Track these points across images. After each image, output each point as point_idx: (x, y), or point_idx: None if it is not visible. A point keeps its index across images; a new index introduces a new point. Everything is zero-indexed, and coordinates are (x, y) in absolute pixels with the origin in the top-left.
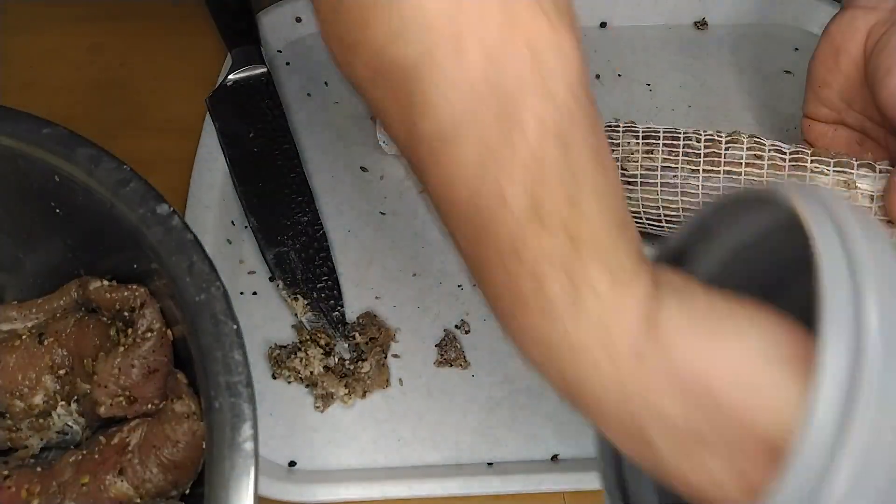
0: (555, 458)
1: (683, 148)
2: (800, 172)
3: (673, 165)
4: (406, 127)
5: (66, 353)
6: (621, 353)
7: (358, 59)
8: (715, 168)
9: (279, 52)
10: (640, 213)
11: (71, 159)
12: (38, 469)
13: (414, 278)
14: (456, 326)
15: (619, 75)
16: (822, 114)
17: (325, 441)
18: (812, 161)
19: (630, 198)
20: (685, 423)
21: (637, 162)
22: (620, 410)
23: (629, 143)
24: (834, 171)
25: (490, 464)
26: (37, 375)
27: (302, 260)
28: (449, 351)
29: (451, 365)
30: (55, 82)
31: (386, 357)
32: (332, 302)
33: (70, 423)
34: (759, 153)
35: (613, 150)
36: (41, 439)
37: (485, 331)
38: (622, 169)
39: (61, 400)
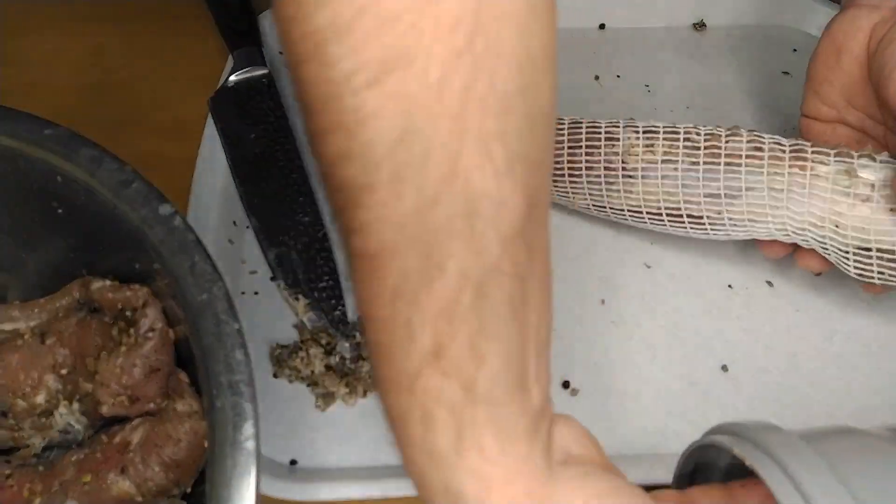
0: None
1: (684, 142)
2: (800, 163)
3: (673, 158)
4: (341, 223)
5: (68, 352)
6: None
7: (318, 150)
8: (715, 160)
9: (280, 53)
10: (640, 207)
11: (73, 160)
12: (40, 468)
13: None
14: None
15: (618, 77)
16: (822, 112)
17: (326, 440)
18: (812, 152)
19: (630, 192)
20: None
21: (638, 156)
22: None
23: (629, 137)
24: (835, 160)
25: None
26: (39, 375)
27: (303, 260)
28: None
29: None
30: (57, 83)
31: None
32: (334, 301)
33: (72, 422)
34: (759, 146)
35: (613, 145)
36: (43, 438)
37: None
38: (623, 163)
39: (63, 399)
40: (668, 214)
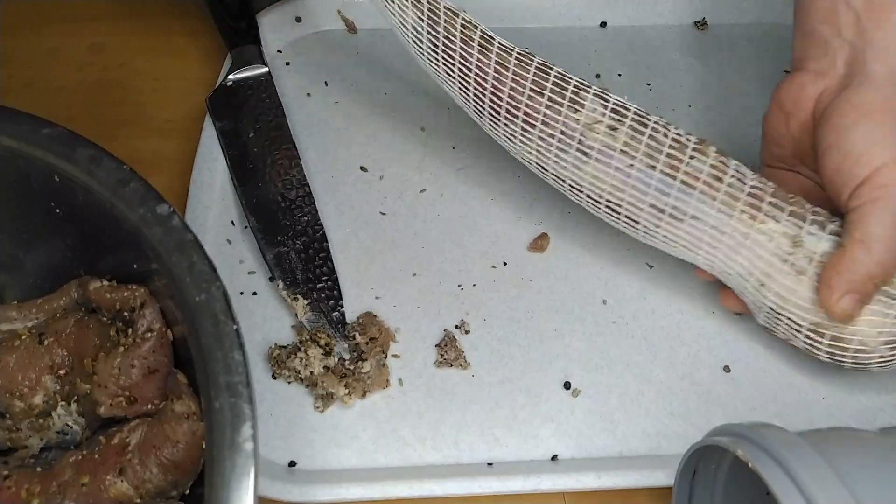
0: (555, 458)
1: (648, 139)
2: (752, 211)
3: (632, 153)
4: None
5: (65, 353)
6: None
7: None
8: (672, 173)
9: (279, 51)
10: (582, 187)
11: (71, 159)
12: (38, 469)
13: (414, 278)
14: (456, 326)
15: (620, 75)
16: (778, 164)
17: (325, 441)
18: (769, 203)
19: (580, 169)
20: None
21: (598, 135)
22: None
23: (595, 109)
24: (787, 218)
25: (490, 464)
26: (37, 375)
27: (302, 260)
28: (449, 351)
29: (451, 365)
30: (55, 82)
31: (386, 357)
32: (332, 302)
33: (70, 423)
34: (720, 176)
35: (577, 111)
36: (41, 439)
37: (485, 331)
38: (581, 136)
39: (61, 400)
40: (607, 206)
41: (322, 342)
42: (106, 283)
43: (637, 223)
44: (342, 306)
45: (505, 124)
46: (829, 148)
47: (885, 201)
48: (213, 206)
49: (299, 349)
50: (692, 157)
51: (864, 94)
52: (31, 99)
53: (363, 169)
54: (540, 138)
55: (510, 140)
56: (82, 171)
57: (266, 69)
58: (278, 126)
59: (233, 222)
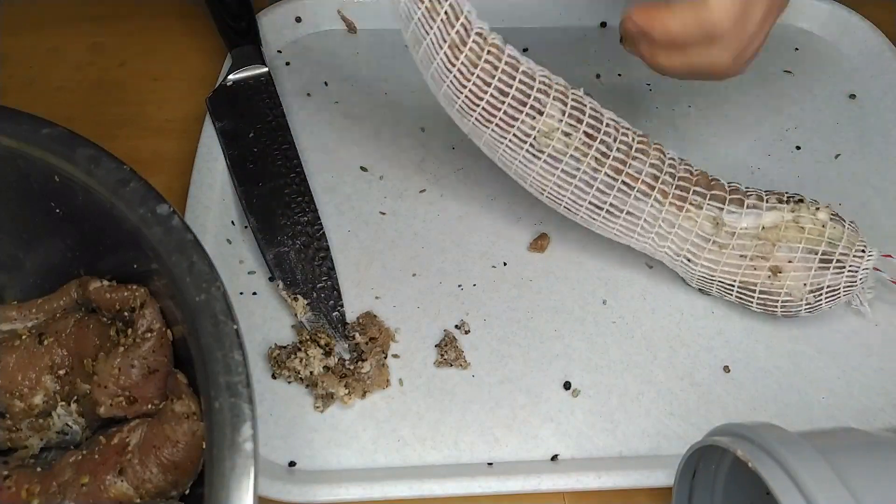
0: (554, 458)
1: (599, 143)
2: (679, 203)
3: (581, 158)
4: None
5: (65, 353)
6: None
7: None
8: (614, 176)
9: (279, 52)
10: (527, 179)
11: (71, 159)
12: (38, 469)
13: (414, 278)
14: (456, 327)
15: (620, 75)
16: None
17: (324, 441)
18: (693, 192)
19: (528, 165)
20: None
21: (551, 142)
22: None
23: (553, 116)
24: (708, 204)
25: (490, 464)
26: (37, 375)
27: (302, 260)
28: (449, 351)
29: (451, 365)
30: (55, 82)
31: (386, 357)
32: (332, 302)
33: (70, 423)
34: (657, 174)
35: (535, 118)
36: (41, 439)
37: (484, 331)
38: (534, 140)
39: (61, 400)
40: (548, 196)
41: (322, 342)
42: (106, 283)
43: (576, 215)
44: (342, 306)
45: (486, 122)
46: None
47: None
48: (212, 206)
49: (299, 349)
50: (635, 157)
51: None
52: (30, 99)
53: (363, 169)
54: (494, 132)
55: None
56: (82, 170)
57: (266, 69)
58: (278, 126)
59: (233, 222)
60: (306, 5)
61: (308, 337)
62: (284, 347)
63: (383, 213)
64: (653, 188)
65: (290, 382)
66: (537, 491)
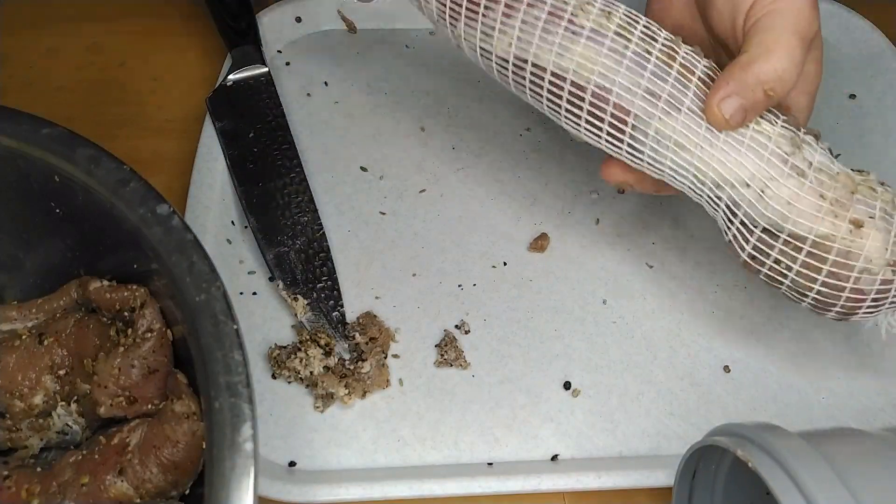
0: (555, 458)
1: (643, 28)
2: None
3: (628, 37)
4: None
5: (65, 353)
6: None
7: None
8: (669, 62)
9: (279, 51)
10: (567, 74)
11: (71, 159)
12: (38, 469)
13: (414, 278)
14: (456, 327)
15: None
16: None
17: (324, 441)
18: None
19: (565, 52)
20: None
21: (591, 14)
22: None
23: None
24: (782, 124)
25: (490, 464)
26: (37, 375)
27: (302, 260)
28: (449, 351)
29: (451, 365)
30: (55, 82)
31: (386, 357)
32: (332, 302)
33: (70, 423)
34: (713, 75)
35: None
36: (41, 439)
37: (485, 331)
38: (572, 15)
39: (61, 400)
40: (592, 97)
41: (322, 342)
42: (106, 283)
43: (624, 122)
44: (342, 306)
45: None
46: None
47: (779, 11)
48: (213, 206)
49: (299, 349)
50: (686, 54)
51: None
52: (30, 99)
53: (363, 169)
54: (524, 20)
55: (480, 25)
56: (82, 170)
57: (266, 69)
58: (278, 126)
59: (233, 222)
60: (306, 5)
61: (308, 337)
62: (284, 347)
63: (383, 213)
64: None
65: (290, 382)
66: (537, 491)
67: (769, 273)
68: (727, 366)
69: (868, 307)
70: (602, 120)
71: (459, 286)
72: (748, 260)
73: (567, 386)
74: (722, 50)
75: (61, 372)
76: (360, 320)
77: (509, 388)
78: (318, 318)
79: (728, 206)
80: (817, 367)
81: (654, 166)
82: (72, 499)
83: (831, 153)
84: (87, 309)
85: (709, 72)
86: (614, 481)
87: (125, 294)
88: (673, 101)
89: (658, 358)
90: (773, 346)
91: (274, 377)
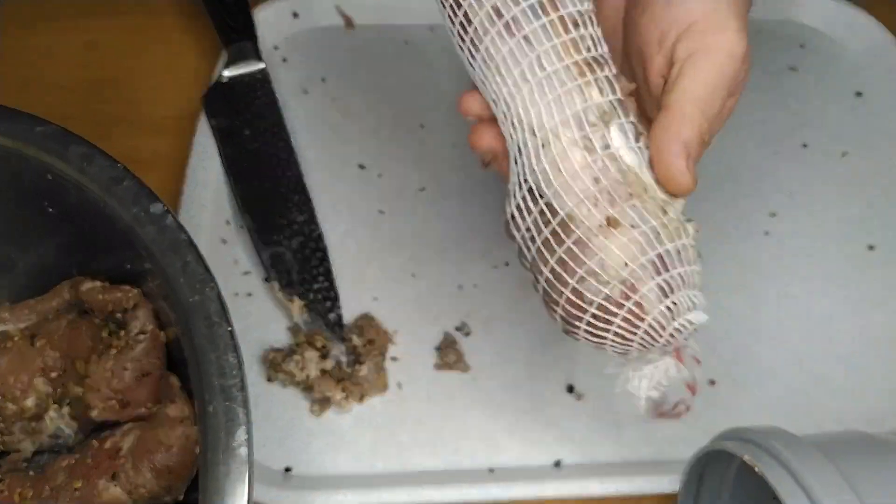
0: (557, 464)
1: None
2: (586, 71)
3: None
4: None
5: (58, 355)
6: None
7: None
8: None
9: (276, 47)
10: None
11: (64, 157)
12: (31, 473)
13: (413, 279)
14: (456, 329)
15: None
16: None
17: (321, 446)
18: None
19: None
20: None
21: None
22: None
23: None
24: (610, 94)
25: (491, 470)
26: (29, 378)
27: (298, 260)
28: (449, 354)
29: (451, 368)
30: (49, 79)
31: (384, 360)
32: (329, 303)
33: (62, 426)
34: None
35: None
36: (33, 443)
37: (486, 333)
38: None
39: (53, 403)
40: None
41: (318, 345)
42: (98, 283)
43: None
44: (339, 308)
45: None
46: (653, 51)
47: (708, 53)
48: (207, 205)
49: (295, 352)
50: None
51: None
52: (25, 96)
53: (361, 167)
54: None
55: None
56: (75, 168)
57: (262, 65)
58: (274, 123)
59: (228, 222)
60: (303, 0)
61: (304, 339)
62: (280, 350)
63: (382, 212)
64: (569, 33)
65: (285, 386)
66: (540, 498)
67: (522, 239)
68: (732, 368)
69: (588, 327)
70: (456, 15)
71: (460, 287)
72: (509, 218)
73: (570, 389)
74: (633, 63)
75: (53, 374)
76: (358, 322)
77: (511, 391)
78: (315, 320)
79: (516, 153)
80: (825, 370)
81: (484, 86)
82: (64, 503)
83: (644, 157)
84: (80, 310)
85: (577, 20)
86: (619, 487)
87: (118, 295)
88: (513, 26)
89: None
90: (779, 349)
91: (269, 380)
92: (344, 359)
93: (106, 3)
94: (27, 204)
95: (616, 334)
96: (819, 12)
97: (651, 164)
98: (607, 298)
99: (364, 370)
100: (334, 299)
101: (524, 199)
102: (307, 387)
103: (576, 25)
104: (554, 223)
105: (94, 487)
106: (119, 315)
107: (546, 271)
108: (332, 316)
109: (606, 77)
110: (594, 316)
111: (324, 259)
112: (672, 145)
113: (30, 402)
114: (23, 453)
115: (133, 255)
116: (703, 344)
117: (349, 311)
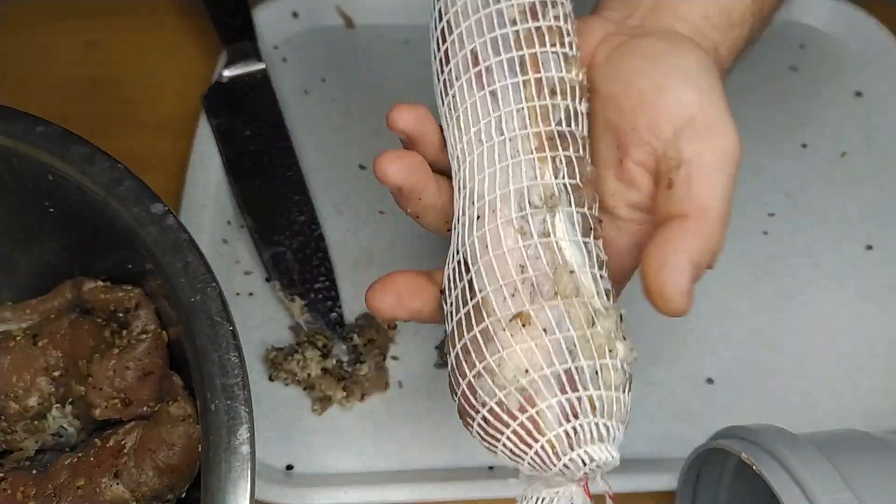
0: None
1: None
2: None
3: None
4: None
5: (60, 354)
6: None
7: None
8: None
9: (276, 47)
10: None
11: (65, 158)
12: (34, 472)
13: None
14: None
15: None
16: None
17: (322, 444)
18: (575, 152)
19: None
20: None
21: None
22: None
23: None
24: (565, 181)
25: (491, 468)
26: (31, 377)
27: (299, 260)
28: None
29: None
30: (49, 80)
31: (385, 359)
32: (330, 303)
33: (65, 425)
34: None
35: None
36: (36, 441)
37: None
38: None
39: (56, 402)
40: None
41: (320, 344)
42: (100, 283)
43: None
44: (340, 307)
45: None
46: (628, 85)
47: (718, 157)
48: (208, 205)
49: (296, 351)
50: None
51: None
52: (25, 96)
53: (362, 167)
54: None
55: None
56: (76, 169)
57: (262, 65)
58: (275, 123)
59: (229, 222)
60: (303, 0)
61: (305, 338)
62: (281, 349)
63: (382, 212)
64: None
65: (287, 385)
66: None
67: (450, 307)
68: (731, 368)
69: (479, 429)
70: (439, 49)
71: None
72: (444, 281)
73: None
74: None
75: (56, 373)
76: (359, 321)
77: None
78: (316, 320)
79: (456, 218)
80: (822, 369)
81: (446, 132)
82: (67, 501)
83: (595, 261)
84: (82, 310)
85: (557, 86)
86: (617, 485)
87: (119, 295)
88: (484, 77)
89: (661, 360)
90: (777, 348)
91: (271, 379)
92: (345, 358)
93: (106, 3)
94: (28, 204)
95: (506, 447)
96: (819, 12)
97: (643, 274)
98: (500, 404)
99: (365, 369)
100: (335, 299)
101: (454, 270)
102: (308, 386)
103: (553, 93)
104: (470, 304)
105: (97, 486)
106: (121, 315)
107: (453, 354)
108: (332, 315)
109: (568, 157)
110: (485, 419)
111: (325, 259)
112: (680, 260)
113: (32, 401)
114: (25, 452)
115: (134, 254)
116: (702, 343)
117: (350, 310)
